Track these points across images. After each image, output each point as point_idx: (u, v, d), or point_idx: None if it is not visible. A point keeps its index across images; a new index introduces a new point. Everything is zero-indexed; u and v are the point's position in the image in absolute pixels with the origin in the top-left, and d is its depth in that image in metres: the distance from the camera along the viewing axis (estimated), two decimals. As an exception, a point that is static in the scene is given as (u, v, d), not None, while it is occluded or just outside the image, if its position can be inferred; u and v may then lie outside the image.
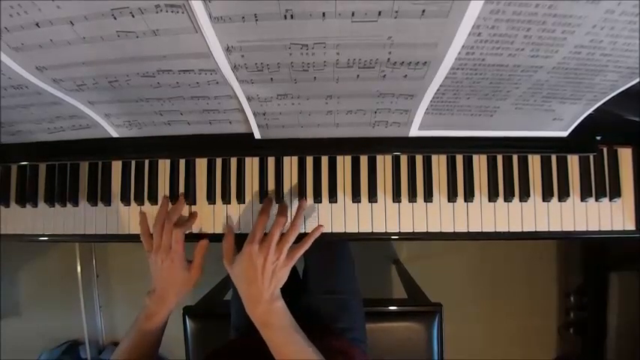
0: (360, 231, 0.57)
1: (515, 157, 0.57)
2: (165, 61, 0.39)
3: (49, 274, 1.48)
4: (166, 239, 0.54)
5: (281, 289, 0.73)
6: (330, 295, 0.70)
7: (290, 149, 0.56)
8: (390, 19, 0.33)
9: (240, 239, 0.57)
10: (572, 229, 0.56)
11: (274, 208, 0.57)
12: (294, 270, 0.82)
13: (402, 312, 0.81)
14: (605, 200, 0.56)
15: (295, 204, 0.57)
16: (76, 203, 0.60)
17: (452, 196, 0.57)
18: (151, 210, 0.59)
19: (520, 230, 0.56)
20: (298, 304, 0.73)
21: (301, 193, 0.57)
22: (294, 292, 0.76)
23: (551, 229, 0.56)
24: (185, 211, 0.59)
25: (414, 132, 0.52)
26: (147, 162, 0.60)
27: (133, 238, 0.59)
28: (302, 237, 0.54)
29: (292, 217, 0.56)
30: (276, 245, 0.51)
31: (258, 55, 0.38)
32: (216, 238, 0.58)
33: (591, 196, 0.56)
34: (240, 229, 0.58)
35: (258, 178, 0.58)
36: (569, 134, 0.53)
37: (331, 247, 0.74)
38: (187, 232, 0.57)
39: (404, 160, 0.57)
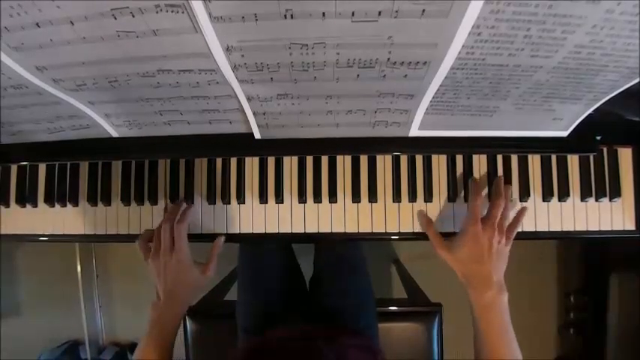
0: (360, 231, 0.57)
1: (515, 157, 0.57)
2: (165, 61, 0.39)
3: (49, 274, 1.47)
4: (166, 239, 0.53)
5: (290, 298, 0.72)
6: (347, 296, 0.71)
7: (290, 149, 0.56)
8: (390, 19, 0.33)
9: (242, 239, 0.58)
10: (572, 229, 0.56)
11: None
12: (300, 278, 0.82)
13: (402, 312, 0.81)
14: (605, 200, 0.56)
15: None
16: (76, 203, 0.60)
17: (452, 196, 0.57)
18: (151, 210, 0.59)
19: (520, 230, 0.56)
20: (311, 307, 0.73)
21: (301, 193, 0.57)
22: (301, 299, 0.76)
23: (551, 229, 0.57)
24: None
25: (414, 132, 0.52)
26: (147, 162, 0.60)
27: (133, 238, 0.59)
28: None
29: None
30: (497, 225, 0.51)
31: (258, 55, 0.38)
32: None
33: (591, 196, 0.56)
34: (240, 229, 0.58)
35: (258, 178, 0.58)
36: (569, 134, 0.53)
37: (343, 248, 0.74)
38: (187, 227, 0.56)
39: (404, 160, 0.57)
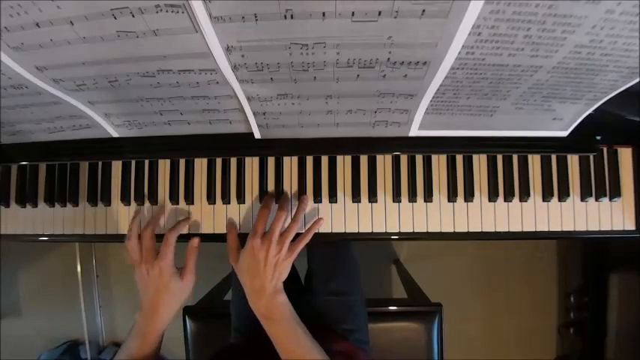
0: (360, 231, 0.57)
1: (515, 157, 0.57)
2: (165, 61, 0.39)
3: (49, 274, 1.48)
4: (147, 245, 0.52)
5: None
6: (336, 296, 0.70)
7: (290, 149, 0.56)
8: (390, 19, 0.33)
9: (242, 239, 0.58)
10: (572, 229, 0.56)
11: (275, 205, 0.57)
12: (295, 275, 0.82)
13: (402, 312, 0.81)
14: (605, 200, 0.56)
15: (296, 204, 0.57)
16: (76, 203, 0.60)
17: (452, 196, 0.57)
18: (151, 210, 0.59)
19: (520, 230, 0.56)
20: (303, 306, 0.73)
21: (301, 194, 0.57)
22: (295, 296, 0.77)
23: (551, 229, 0.56)
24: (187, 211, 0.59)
25: (414, 132, 0.52)
26: (147, 162, 0.60)
27: (133, 238, 0.59)
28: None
29: (293, 213, 0.56)
30: (278, 239, 0.52)
31: (258, 55, 0.38)
32: (216, 237, 0.58)
33: (591, 195, 0.56)
34: (240, 228, 0.58)
35: (258, 178, 0.58)
36: (569, 134, 0.53)
37: (335, 248, 0.74)
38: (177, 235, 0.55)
39: (404, 160, 0.57)
